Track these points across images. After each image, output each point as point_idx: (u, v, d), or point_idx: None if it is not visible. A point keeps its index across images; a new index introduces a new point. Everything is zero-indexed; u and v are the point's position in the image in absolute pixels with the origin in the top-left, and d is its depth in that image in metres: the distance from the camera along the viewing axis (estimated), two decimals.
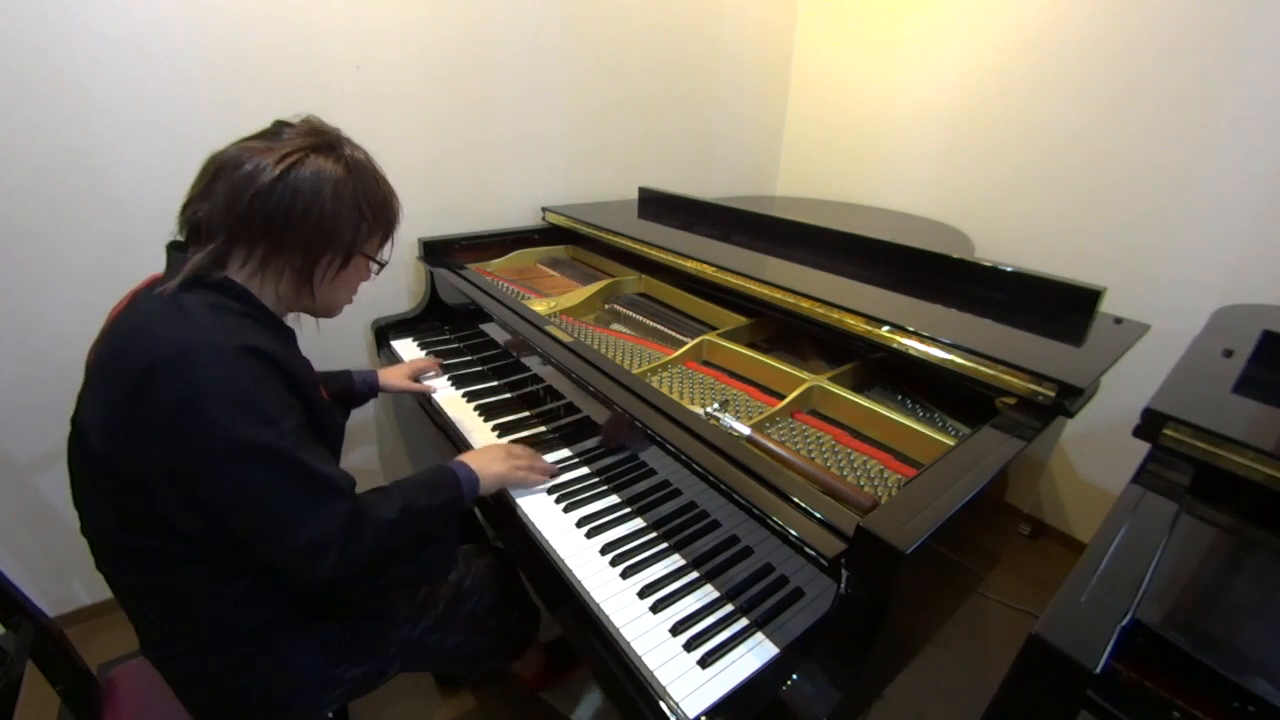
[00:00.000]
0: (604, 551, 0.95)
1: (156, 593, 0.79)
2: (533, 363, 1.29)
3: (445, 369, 1.49)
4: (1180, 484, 0.68)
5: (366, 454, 1.95)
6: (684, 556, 0.94)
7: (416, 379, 1.42)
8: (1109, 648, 0.49)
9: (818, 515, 0.73)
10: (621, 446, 1.05)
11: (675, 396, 1.07)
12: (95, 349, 0.77)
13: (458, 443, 1.25)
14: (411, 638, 0.97)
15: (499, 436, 1.23)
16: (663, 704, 0.73)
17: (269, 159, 0.74)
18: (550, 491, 1.07)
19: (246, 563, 0.78)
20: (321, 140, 0.79)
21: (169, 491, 0.71)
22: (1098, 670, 0.47)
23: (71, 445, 0.77)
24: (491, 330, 1.46)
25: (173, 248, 0.80)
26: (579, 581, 0.90)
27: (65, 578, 1.59)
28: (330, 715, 1.02)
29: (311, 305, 0.86)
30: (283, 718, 0.89)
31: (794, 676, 0.71)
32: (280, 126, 0.81)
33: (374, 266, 0.90)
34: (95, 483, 0.76)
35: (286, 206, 0.75)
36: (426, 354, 1.55)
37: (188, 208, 0.78)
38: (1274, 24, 1.34)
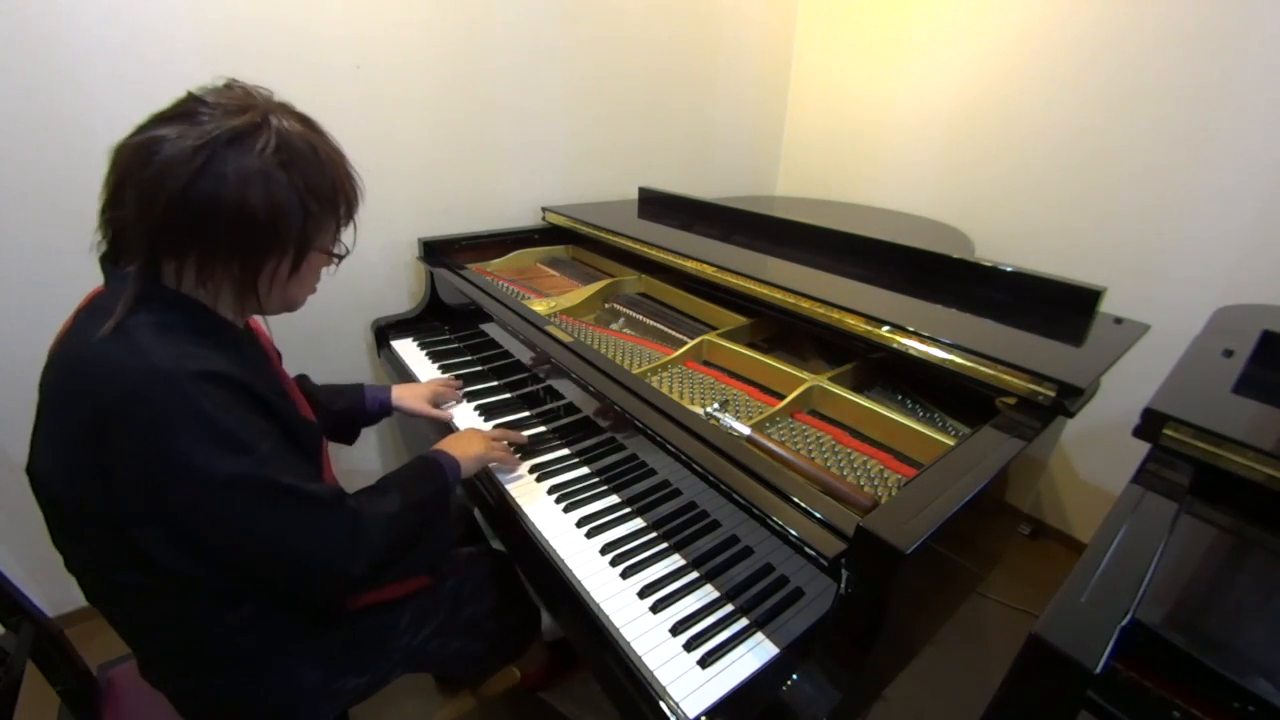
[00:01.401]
0: (604, 551, 0.95)
1: (154, 626, 0.77)
2: (533, 363, 1.29)
3: (445, 369, 1.48)
4: (1180, 484, 0.68)
5: (366, 453, 1.95)
6: (684, 556, 0.94)
7: (436, 404, 1.28)
8: (1109, 648, 0.49)
9: (818, 515, 0.73)
10: (611, 432, 1.05)
11: (675, 396, 1.07)
12: (43, 380, 0.69)
13: None
14: (413, 645, 0.97)
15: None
16: (663, 704, 0.73)
17: (179, 152, 0.61)
18: (550, 491, 1.07)
19: (246, 588, 0.76)
20: (245, 121, 0.65)
21: (153, 533, 0.66)
22: (1098, 670, 0.47)
23: (34, 490, 0.71)
24: (491, 330, 1.46)
25: (105, 260, 0.71)
26: (579, 582, 0.90)
27: (65, 578, 1.56)
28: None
29: (260, 309, 0.76)
30: None
31: (794, 676, 0.71)
32: (194, 102, 0.66)
33: (339, 255, 0.78)
34: (70, 528, 0.71)
35: (209, 215, 0.63)
36: (433, 362, 1.54)
37: (103, 213, 0.67)
38: (1274, 24, 1.34)
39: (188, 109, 0.66)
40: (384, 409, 1.21)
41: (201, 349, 0.66)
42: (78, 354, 0.66)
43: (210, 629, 0.77)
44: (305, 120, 0.73)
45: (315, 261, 0.76)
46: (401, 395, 1.23)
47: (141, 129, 0.66)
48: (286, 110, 0.72)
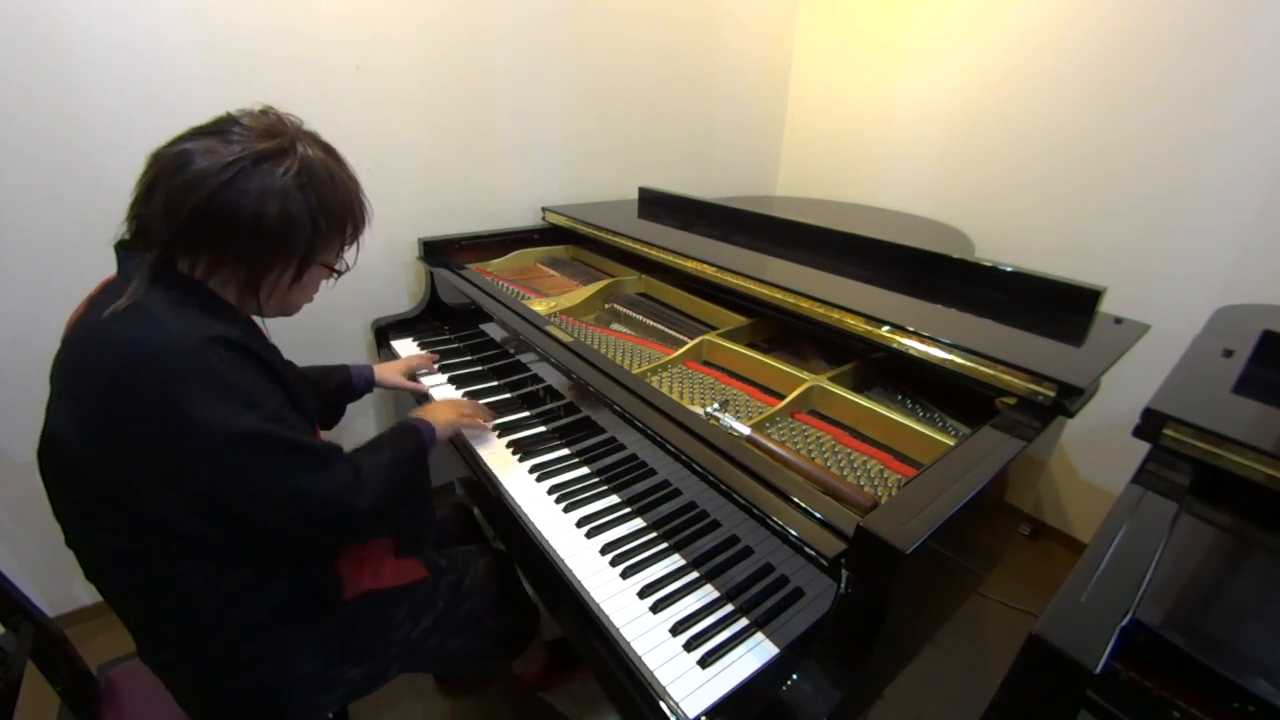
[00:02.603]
0: (604, 551, 0.95)
1: (152, 595, 0.78)
2: (532, 361, 1.29)
3: (445, 369, 1.49)
4: (1180, 484, 0.68)
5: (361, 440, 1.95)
6: (684, 556, 0.94)
7: (412, 377, 1.41)
8: (1109, 648, 0.49)
9: (818, 515, 0.73)
10: (611, 432, 1.05)
11: (675, 396, 1.07)
12: (58, 358, 0.73)
13: (456, 442, 1.24)
14: (411, 638, 0.97)
15: (498, 436, 1.23)
16: (663, 704, 0.73)
17: (211, 166, 0.69)
18: (550, 491, 1.07)
19: (241, 556, 0.78)
20: (274, 145, 0.73)
21: (165, 493, 0.69)
22: (1098, 670, 0.47)
23: (44, 459, 0.73)
24: (491, 330, 1.46)
25: (120, 247, 0.77)
26: (579, 581, 0.90)
27: (65, 578, 1.59)
28: (330, 716, 1.02)
29: (258, 311, 0.82)
30: (282, 718, 0.88)
31: (794, 676, 0.71)
32: (230, 123, 0.75)
33: (340, 270, 0.86)
34: (79, 493, 0.73)
35: (228, 223, 0.70)
36: (428, 353, 1.54)
37: (133, 208, 0.74)
38: (1273, 24, 1.34)
39: (223, 127, 0.74)
40: (368, 384, 1.31)
41: (211, 320, 0.72)
42: (95, 328, 0.70)
43: (207, 599, 0.78)
44: (328, 149, 0.81)
45: (316, 274, 0.83)
46: (382, 372, 1.34)
47: (180, 139, 0.73)
48: (312, 139, 0.80)
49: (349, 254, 0.87)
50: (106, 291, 0.74)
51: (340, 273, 0.86)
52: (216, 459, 0.68)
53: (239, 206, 0.70)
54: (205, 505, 0.71)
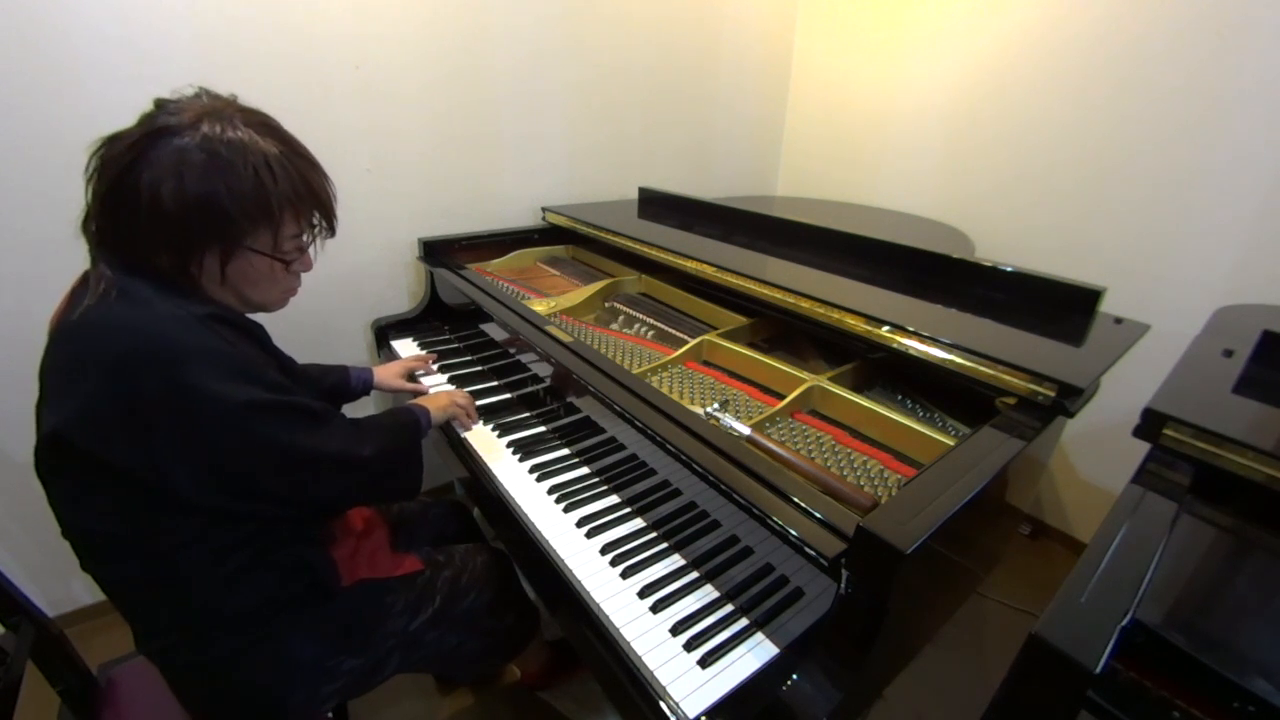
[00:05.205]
0: (604, 551, 0.95)
1: (148, 582, 0.78)
2: (532, 361, 1.29)
3: (445, 369, 1.49)
4: (1180, 484, 0.68)
5: None
6: (684, 556, 0.94)
7: (411, 377, 1.41)
8: (1109, 648, 0.49)
9: (818, 515, 0.73)
10: (611, 431, 1.05)
11: (675, 396, 1.07)
12: (47, 356, 0.73)
13: (455, 442, 1.24)
14: (408, 631, 0.97)
15: (499, 437, 1.23)
16: (663, 704, 0.73)
17: (117, 151, 0.69)
18: (550, 491, 1.07)
19: (239, 541, 0.79)
20: (175, 122, 0.70)
21: (178, 467, 0.69)
22: (1098, 670, 0.47)
23: (42, 453, 0.72)
24: (491, 330, 1.46)
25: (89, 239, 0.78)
26: (579, 581, 0.90)
27: (65, 578, 1.59)
28: (330, 715, 1.02)
29: (213, 302, 0.78)
30: (281, 709, 0.88)
31: (794, 676, 0.71)
32: (158, 108, 0.73)
33: (289, 260, 0.81)
34: (82, 481, 0.72)
35: (131, 205, 0.69)
36: (426, 353, 1.54)
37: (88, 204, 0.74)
38: (1274, 23, 1.34)
39: (151, 113, 0.73)
40: (366, 387, 1.29)
41: (195, 303, 0.74)
42: (86, 318, 0.70)
43: (201, 584, 0.78)
44: (260, 126, 0.75)
45: (257, 263, 0.78)
46: (381, 375, 1.33)
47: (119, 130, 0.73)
48: (232, 115, 0.74)
49: (301, 241, 0.81)
50: (85, 284, 0.74)
51: (288, 262, 0.81)
52: (227, 430, 0.70)
53: (137, 188, 0.68)
54: (218, 476, 0.72)
